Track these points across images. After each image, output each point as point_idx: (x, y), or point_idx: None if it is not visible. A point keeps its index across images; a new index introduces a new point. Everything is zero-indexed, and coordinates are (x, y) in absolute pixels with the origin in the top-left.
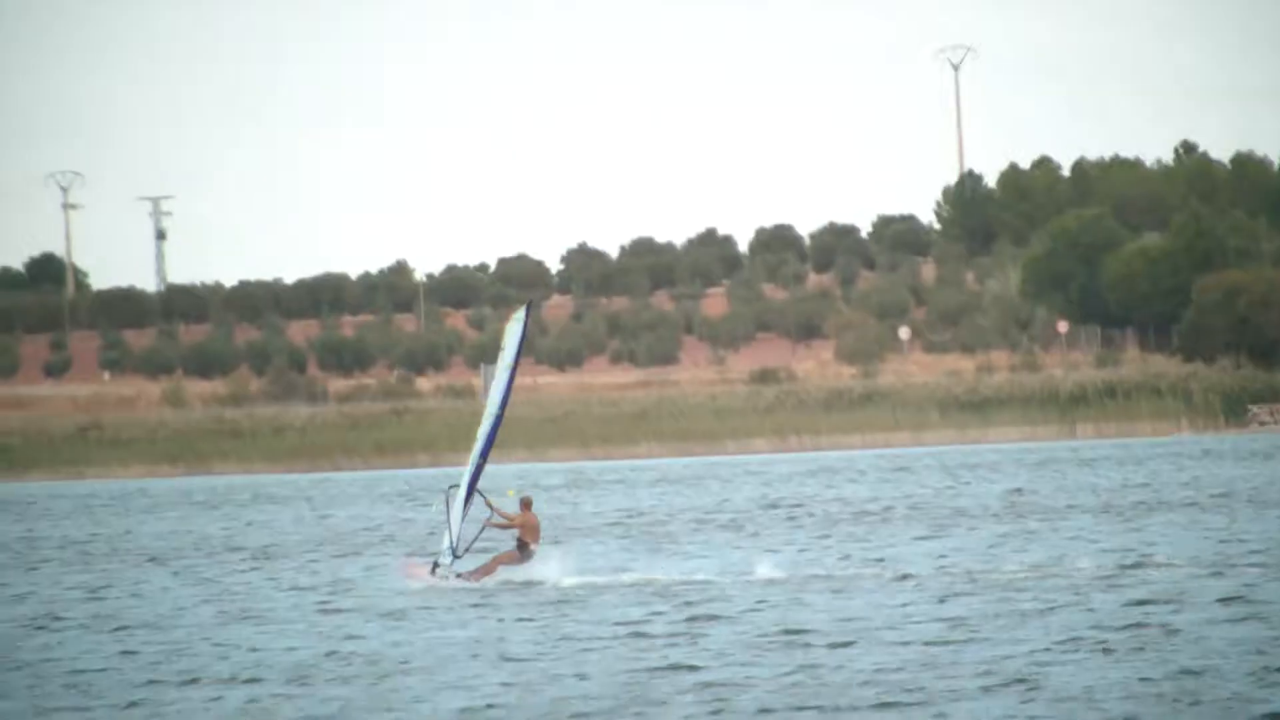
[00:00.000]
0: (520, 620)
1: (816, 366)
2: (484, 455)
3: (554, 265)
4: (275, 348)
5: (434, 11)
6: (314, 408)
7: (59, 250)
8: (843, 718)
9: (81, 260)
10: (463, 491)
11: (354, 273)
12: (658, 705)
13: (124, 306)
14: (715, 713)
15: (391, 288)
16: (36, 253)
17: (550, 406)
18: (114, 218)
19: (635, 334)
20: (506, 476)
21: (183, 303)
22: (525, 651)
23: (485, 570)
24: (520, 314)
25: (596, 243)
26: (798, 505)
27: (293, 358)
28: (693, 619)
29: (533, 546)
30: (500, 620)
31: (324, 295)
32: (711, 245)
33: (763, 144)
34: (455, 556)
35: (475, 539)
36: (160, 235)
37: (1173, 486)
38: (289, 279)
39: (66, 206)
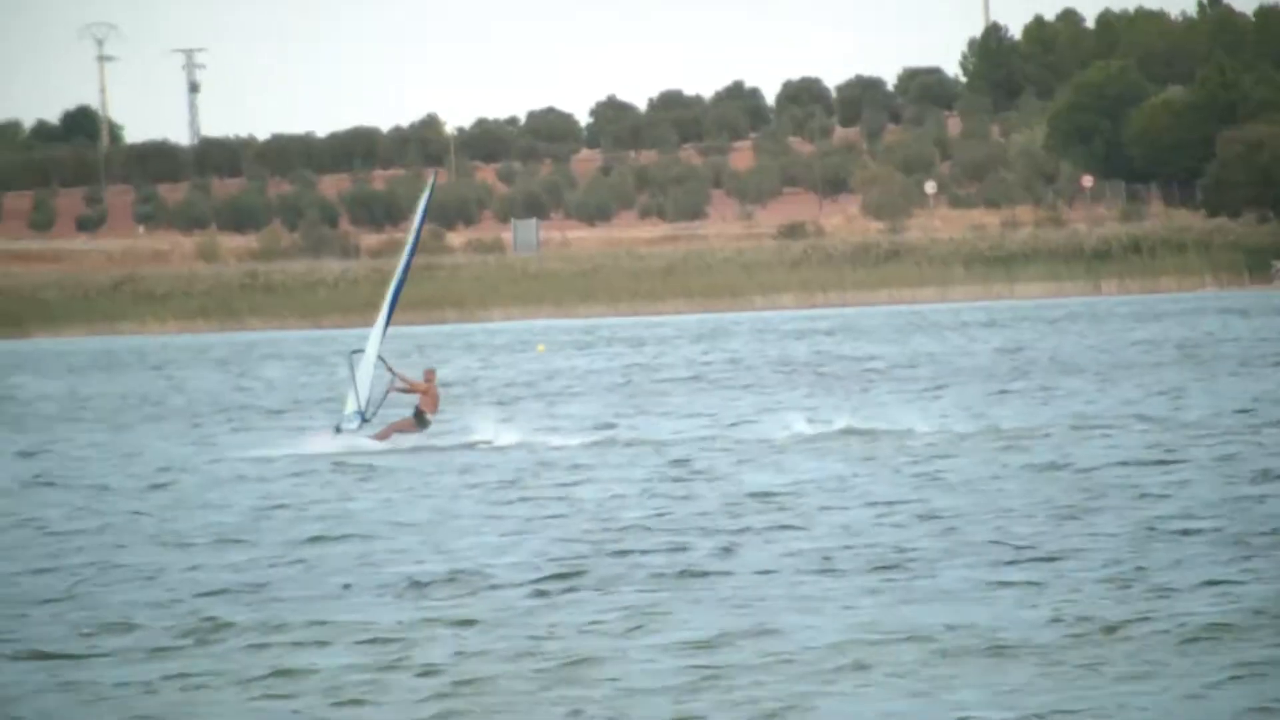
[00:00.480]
0: (501, 482)
1: (843, 221)
2: (388, 318)
3: (583, 119)
4: (307, 202)
5: None
6: (346, 263)
7: (94, 103)
8: (820, 579)
9: (116, 113)
10: (369, 357)
11: (385, 127)
12: (628, 564)
13: (158, 160)
14: (686, 572)
15: (423, 141)
16: (71, 106)
17: (579, 261)
18: (148, 70)
19: (664, 188)
20: (535, 332)
21: (216, 156)
22: (507, 511)
23: (380, 436)
24: (429, 184)
25: (625, 96)
26: (807, 363)
27: (324, 212)
28: (674, 479)
29: (429, 416)
30: (474, 484)
31: (356, 149)
32: (739, 98)
33: None
34: (365, 420)
35: (381, 402)
36: (193, 88)
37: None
38: (321, 133)
39: (101, 59)
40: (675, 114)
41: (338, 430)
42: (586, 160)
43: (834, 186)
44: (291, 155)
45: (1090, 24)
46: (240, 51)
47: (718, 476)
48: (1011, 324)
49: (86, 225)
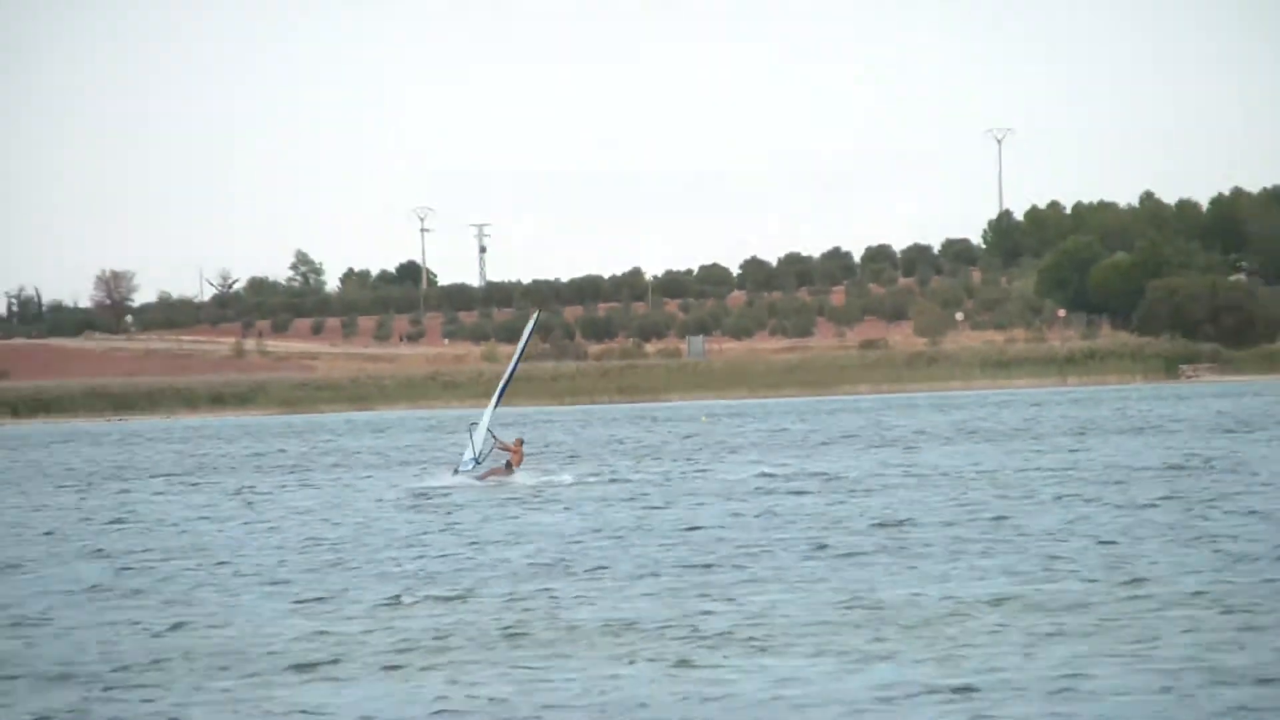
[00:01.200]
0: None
1: (902, 338)
2: (496, 404)
3: (734, 270)
4: (555, 323)
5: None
6: (578, 362)
7: (417, 258)
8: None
9: (432, 265)
10: (482, 427)
11: (605, 274)
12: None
13: (459, 296)
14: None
15: (630, 285)
16: (404, 260)
17: (730, 363)
18: (453, 236)
19: (786, 316)
20: (699, 409)
21: (497, 294)
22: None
23: (482, 477)
24: (534, 317)
25: (763, 255)
26: (815, 432)
27: (566, 330)
28: (745, 503)
29: (516, 467)
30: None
31: (586, 290)
32: (837, 258)
33: (874, 188)
34: (477, 463)
35: (488, 455)
36: (482, 249)
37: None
38: (565, 279)
39: (422, 230)
40: (796, 267)
41: (455, 472)
42: (736, 298)
43: (897, 315)
44: (545, 293)
45: (1068, 210)
46: (511, 224)
47: (768, 503)
48: (1004, 406)
49: (412, 338)
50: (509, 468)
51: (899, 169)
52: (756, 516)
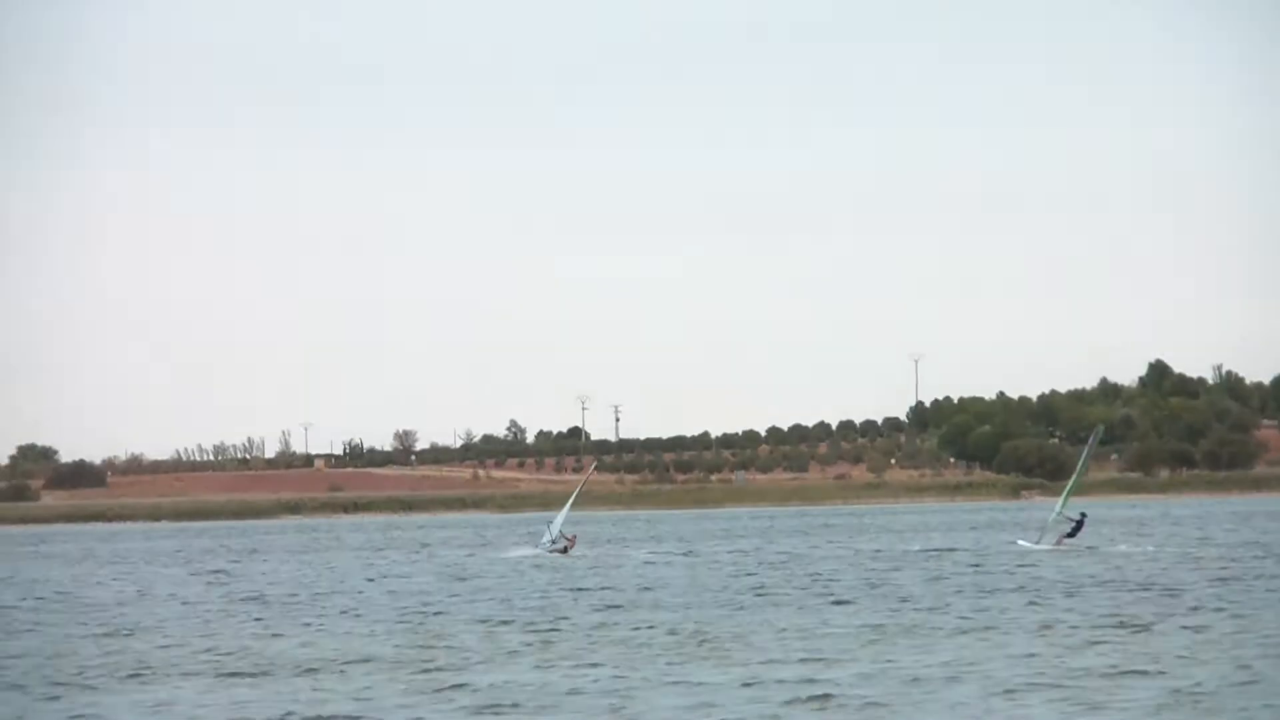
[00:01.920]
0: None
1: (859, 474)
2: (566, 510)
3: (762, 432)
4: (658, 461)
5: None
6: (672, 485)
7: (579, 424)
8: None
9: (589, 428)
10: (556, 523)
11: (688, 434)
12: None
13: (603, 446)
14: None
15: (702, 441)
16: (572, 424)
17: (760, 488)
18: (600, 411)
19: (792, 459)
20: (740, 512)
21: (625, 445)
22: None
23: (549, 551)
24: (593, 464)
25: (779, 424)
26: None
27: (664, 466)
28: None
29: (571, 549)
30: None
31: (678, 443)
32: (821, 426)
33: (844, 386)
34: (553, 542)
35: (556, 540)
36: (617, 419)
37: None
38: (664, 436)
39: (583, 408)
40: (797, 432)
41: (537, 546)
42: (763, 449)
43: (857, 460)
44: (652, 445)
45: (956, 400)
46: (633, 403)
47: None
48: (913, 514)
49: (576, 470)
50: (565, 550)
51: (859, 376)
52: (743, 575)
